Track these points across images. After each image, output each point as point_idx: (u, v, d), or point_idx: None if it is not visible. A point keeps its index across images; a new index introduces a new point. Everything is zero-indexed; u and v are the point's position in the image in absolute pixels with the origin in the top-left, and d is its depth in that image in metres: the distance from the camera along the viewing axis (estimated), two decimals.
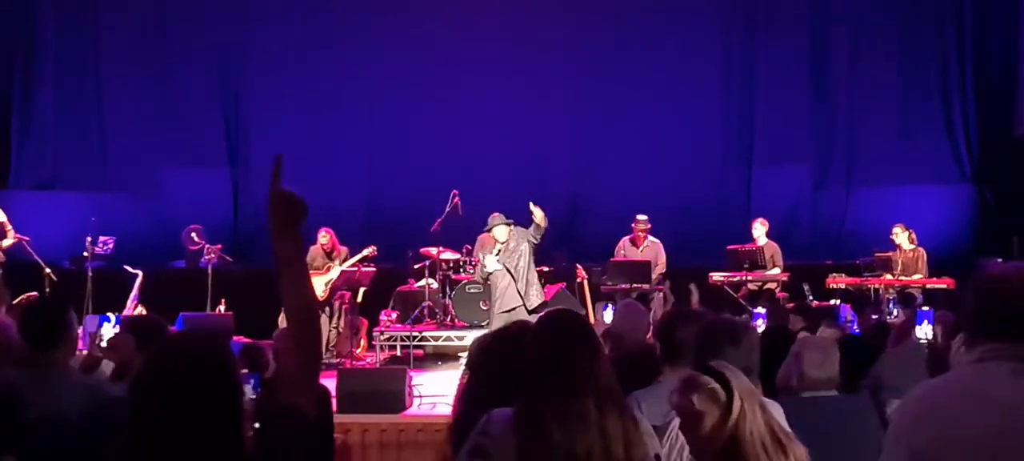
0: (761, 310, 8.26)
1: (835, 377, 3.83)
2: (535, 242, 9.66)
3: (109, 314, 8.85)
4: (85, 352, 6.75)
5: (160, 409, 1.98)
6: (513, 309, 9.32)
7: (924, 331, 6.86)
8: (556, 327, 2.74)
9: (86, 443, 3.34)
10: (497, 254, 9.68)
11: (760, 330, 6.86)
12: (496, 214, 9.81)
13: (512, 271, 9.56)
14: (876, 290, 11.08)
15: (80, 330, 7.17)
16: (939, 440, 2.24)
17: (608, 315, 9.98)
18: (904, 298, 10.79)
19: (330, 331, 10.70)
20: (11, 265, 10.62)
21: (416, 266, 11.43)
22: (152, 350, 2.11)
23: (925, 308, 8.37)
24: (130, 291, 10.47)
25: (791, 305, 9.66)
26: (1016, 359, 2.26)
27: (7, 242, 10.51)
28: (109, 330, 7.60)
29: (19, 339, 3.73)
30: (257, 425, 2.14)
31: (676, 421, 3.26)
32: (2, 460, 3.00)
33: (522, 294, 9.48)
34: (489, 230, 9.81)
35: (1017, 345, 2.28)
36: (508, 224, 9.74)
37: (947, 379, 2.47)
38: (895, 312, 9.83)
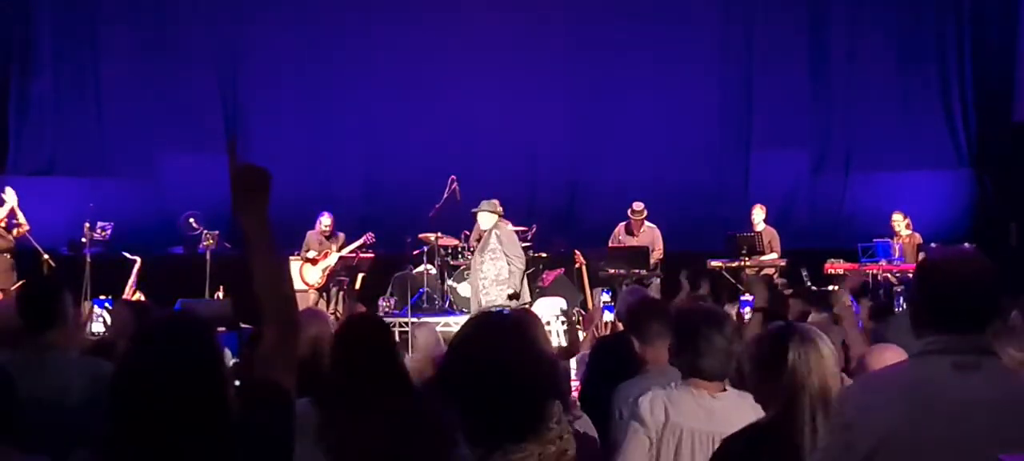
0: (748, 297, 8.23)
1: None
2: (511, 260, 9.67)
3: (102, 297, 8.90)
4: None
5: (142, 390, 2.01)
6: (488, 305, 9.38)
7: None
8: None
9: (85, 422, 3.35)
10: (477, 240, 9.71)
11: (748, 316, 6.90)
12: (487, 202, 9.81)
13: (478, 267, 9.59)
14: (875, 275, 11.09)
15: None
16: (878, 434, 2.22)
17: (606, 300, 9.97)
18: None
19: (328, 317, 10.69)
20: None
21: (414, 252, 11.43)
22: (134, 333, 2.13)
23: None
24: (128, 277, 10.47)
25: (789, 290, 9.67)
26: (958, 352, 2.23)
27: (18, 230, 10.54)
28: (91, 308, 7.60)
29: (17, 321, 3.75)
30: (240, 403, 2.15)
31: (644, 406, 3.29)
32: (4, 449, 2.99)
33: (479, 291, 9.54)
34: (475, 212, 9.82)
35: (959, 337, 2.25)
36: (497, 213, 9.75)
37: (891, 371, 2.45)
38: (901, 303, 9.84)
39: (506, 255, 9.68)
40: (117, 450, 2.01)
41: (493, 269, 9.64)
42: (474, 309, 9.60)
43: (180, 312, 2.64)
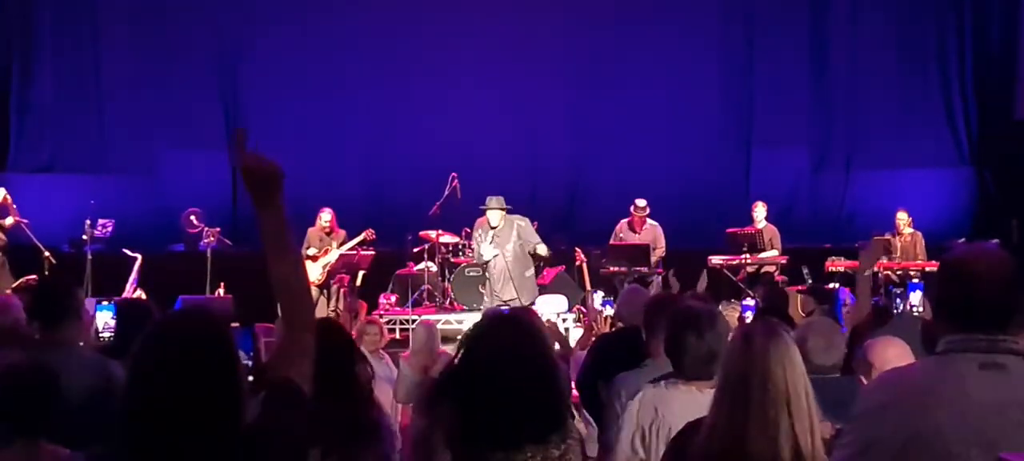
0: (750, 302, 8.24)
1: (840, 363, 3.83)
2: (528, 249, 9.77)
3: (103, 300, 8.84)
4: None
5: (157, 386, 1.99)
6: (508, 301, 9.37)
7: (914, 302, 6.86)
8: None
9: (92, 420, 3.36)
10: (491, 241, 9.72)
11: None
12: (494, 197, 9.82)
13: (506, 260, 9.62)
14: (875, 273, 11.09)
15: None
16: (903, 433, 2.18)
17: (597, 301, 9.93)
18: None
19: (329, 314, 10.70)
20: (10, 248, 10.61)
21: (415, 249, 11.44)
22: (148, 328, 2.12)
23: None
24: (129, 275, 10.46)
25: (803, 287, 9.70)
26: (982, 351, 2.19)
27: (9, 221, 10.51)
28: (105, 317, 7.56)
29: (27, 319, 3.77)
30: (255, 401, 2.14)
31: (633, 403, 3.29)
32: (35, 444, 3.01)
33: (516, 287, 9.54)
34: (484, 211, 9.84)
35: (984, 336, 2.20)
36: (505, 209, 9.78)
37: (915, 369, 2.40)
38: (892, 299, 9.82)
39: (529, 243, 9.79)
40: (130, 447, 2.00)
41: (519, 266, 9.72)
42: (492, 302, 9.61)
43: (195, 309, 2.64)
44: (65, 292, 3.78)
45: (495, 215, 9.72)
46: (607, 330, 6.84)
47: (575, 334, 10.34)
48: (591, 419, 4.72)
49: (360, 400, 3.29)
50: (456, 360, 2.71)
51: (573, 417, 3.77)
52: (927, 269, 11.06)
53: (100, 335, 7.01)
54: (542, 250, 10.20)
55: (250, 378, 3.91)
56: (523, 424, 2.44)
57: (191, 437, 1.97)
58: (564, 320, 10.28)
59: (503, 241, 9.70)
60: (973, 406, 2.15)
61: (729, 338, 2.76)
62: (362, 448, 3.16)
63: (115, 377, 3.58)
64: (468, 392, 2.53)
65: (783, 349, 2.49)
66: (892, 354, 3.49)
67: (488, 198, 9.86)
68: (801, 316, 7.11)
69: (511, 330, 2.60)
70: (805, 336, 3.85)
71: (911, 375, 2.36)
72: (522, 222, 9.90)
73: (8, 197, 10.58)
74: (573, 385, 5.07)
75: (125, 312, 4.74)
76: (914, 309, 6.49)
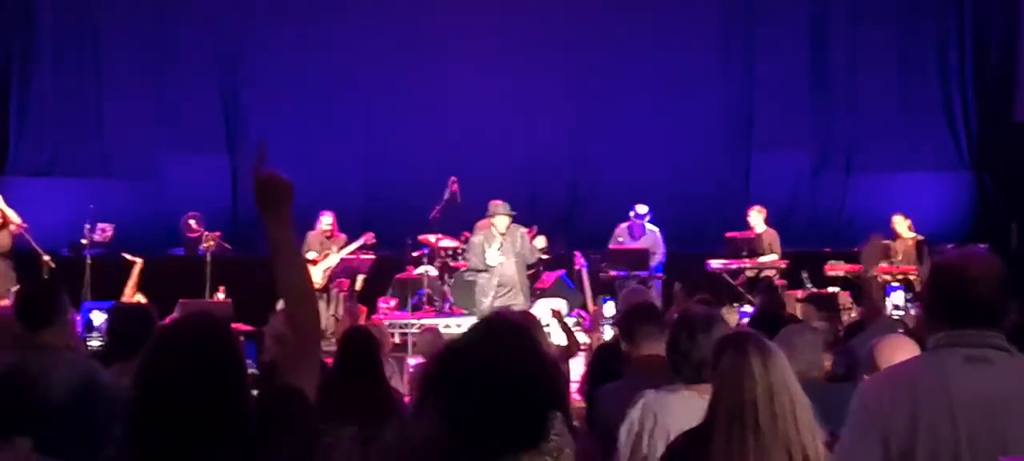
0: (748, 309, 8.24)
1: (820, 367, 3.84)
2: (526, 258, 9.83)
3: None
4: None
5: (165, 393, 2.01)
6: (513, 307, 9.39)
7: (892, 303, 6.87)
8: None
9: (74, 422, 3.38)
10: (499, 247, 9.73)
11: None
12: (500, 202, 9.83)
13: (516, 267, 9.67)
14: (875, 278, 11.08)
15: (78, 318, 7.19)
16: (897, 429, 2.27)
17: (608, 308, 9.93)
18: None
19: (328, 318, 10.70)
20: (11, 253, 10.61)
21: (414, 253, 11.43)
22: (155, 333, 2.14)
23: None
24: (129, 279, 10.46)
25: (803, 292, 9.70)
26: (969, 345, 2.30)
27: (14, 228, 10.50)
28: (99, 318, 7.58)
29: (16, 321, 3.80)
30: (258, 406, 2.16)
31: (635, 409, 3.30)
32: (12, 443, 3.02)
33: (524, 294, 9.62)
34: (490, 217, 9.84)
35: (970, 332, 2.31)
36: (511, 215, 9.80)
37: (901, 367, 2.51)
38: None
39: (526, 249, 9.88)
40: (135, 451, 2.02)
41: (523, 273, 9.82)
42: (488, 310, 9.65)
43: (200, 314, 2.65)
44: (48, 297, 3.82)
45: (503, 221, 9.77)
46: (605, 340, 6.88)
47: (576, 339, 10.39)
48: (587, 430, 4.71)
49: (382, 385, 4.04)
50: (439, 364, 2.67)
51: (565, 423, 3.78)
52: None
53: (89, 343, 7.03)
54: (540, 242, 10.45)
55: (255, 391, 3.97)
56: (502, 433, 2.37)
57: (196, 440, 1.99)
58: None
59: (510, 248, 9.74)
60: (955, 398, 2.25)
61: (719, 354, 2.74)
62: (383, 423, 3.74)
63: (98, 381, 3.60)
64: (445, 398, 2.49)
65: (781, 365, 2.56)
66: (900, 358, 3.48)
67: (493, 204, 9.88)
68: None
69: (494, 337, 2.55)
70: (789, 338, 3.86)
71: (897, 373, 2.47)
72: (521, 230, 9.98)
73: (7, 211, 10.53)
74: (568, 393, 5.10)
75: (117, 318, 4.72)
76: (895, 311, 6.50)
